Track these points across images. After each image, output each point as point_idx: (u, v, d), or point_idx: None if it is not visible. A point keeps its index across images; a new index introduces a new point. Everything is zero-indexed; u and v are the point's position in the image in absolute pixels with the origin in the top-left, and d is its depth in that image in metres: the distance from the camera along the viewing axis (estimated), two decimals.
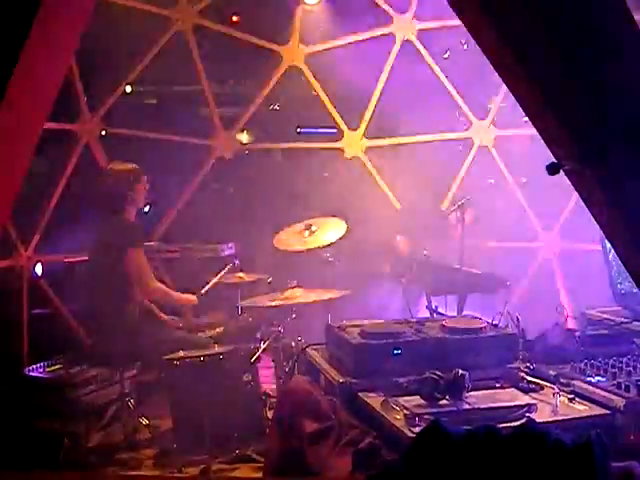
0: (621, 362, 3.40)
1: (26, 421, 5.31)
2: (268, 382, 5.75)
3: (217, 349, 5.38)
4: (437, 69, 7.86)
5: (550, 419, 2.91)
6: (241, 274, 6.08)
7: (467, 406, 2.96)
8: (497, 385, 3.30)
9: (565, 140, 1.73)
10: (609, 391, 3.05)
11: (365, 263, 7.02)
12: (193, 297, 5.86)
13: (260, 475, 4.67)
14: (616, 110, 1.68)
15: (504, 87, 1.92)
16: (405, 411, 2.93)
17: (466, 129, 8.08)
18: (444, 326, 3.68)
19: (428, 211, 7.54)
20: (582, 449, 1.70)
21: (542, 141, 2.02)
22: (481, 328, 3.63)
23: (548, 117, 1.75)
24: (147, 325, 5.68)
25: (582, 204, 1.99)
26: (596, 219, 1.85)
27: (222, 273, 6.01)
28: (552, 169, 1.76)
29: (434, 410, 2.92)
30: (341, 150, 8.13)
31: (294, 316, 5.82)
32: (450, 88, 7.88)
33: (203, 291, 5.87)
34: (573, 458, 1.70)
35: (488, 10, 1.72)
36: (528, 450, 1.68)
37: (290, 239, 6.19)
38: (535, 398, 3.14)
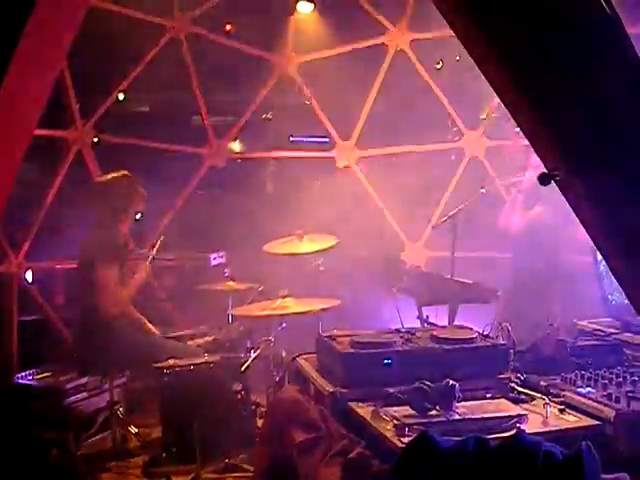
0: (611, 373, 3.39)
1: (14, 429, 5.29)
2: (258, 391, 5.73)
3: (207, 358, 5.36)
4: (429, 79, 7.89)
5: (540, 430, 2.90)
6: (232, 282, 6.07)
7: (457, 416, 2.95)
8: (487, 396, 3.29)
9: (556, 151, 1.73)
10: (599, 402, 3.05)
11: (356, 273, 7.02)
12: (141, 274, 5.78)
13: None
14: (607, 121, 1.68)
15: (496, 97, 1.94)
16: (395, 421, 2.91)
17: (458, 139, 8.10)
18: (434, 336, 3.67)
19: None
20: (572, 461, 1.70)
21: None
22: (472, 338, 3.62)
23: (539, 128, 1.75)
24: (136, 334, 5.65)
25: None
26: (587, 230, 1.85)
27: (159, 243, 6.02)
28: (543, 179, 1.76)
29: (424, 420, 2.91)
30: (333, 159, 8.14)
31: (285, 325, 5.81)
32: (442, 98, 7.91)
33: (148, 261, 5.85)
34: (563, 470, 1.70)
35: (481, 23, 1.73)
36: (518, 462, 1.68)
37: (280, 247, 6.21)
38: (525, 409, 3.13)
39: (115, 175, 5.72)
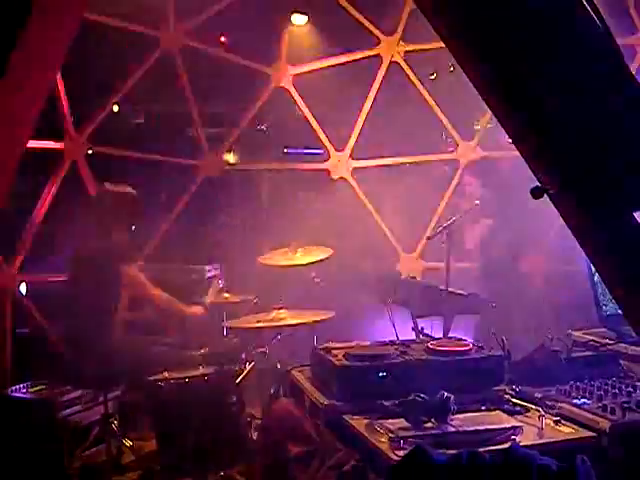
0: (606, 384, 3.40)
1: (8, 442, 5.26)
2: (253, 404, 5.72)
3: (202, 370, 5.34)
4: (423, 90, 7.92)
5: (535, 442, 2.90)
6: (227, 294, 6.07)
7: (452, 429, 2.95)
8: (483, 408, 3.29)
9: (548, 164, 1.74)
10: (595, 413, 3.05)
11: (351, 284, 7.02)
12: (200, 309, 5.76)
13: None
14: (599, 135, 1.69)
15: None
16: (390, 434, 2.91)
17: (452, 150, 8.12)
18: (429, 348, 3.67)
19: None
20: (567, 474, 1.70)
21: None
22: (467, 350, 3.62)
23: (531, 140, 1.75)
24: (131, 345, 5.63)
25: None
26: (579, 242, 1.85)
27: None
28: (536, 193, 1.76)
29: (419, 433, 2.91)
30: (328, 171, 8.14)
31: (279, 337, 5.80)
32: (436, 109, 7.93)
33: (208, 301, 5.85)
34: None
35: (470, 33, 1.73)
36: (512, 476, 1.67)
37: (275, 258, 6.21)
38: (520, 420, 3.13)
39: (123, 190, 5.70)
